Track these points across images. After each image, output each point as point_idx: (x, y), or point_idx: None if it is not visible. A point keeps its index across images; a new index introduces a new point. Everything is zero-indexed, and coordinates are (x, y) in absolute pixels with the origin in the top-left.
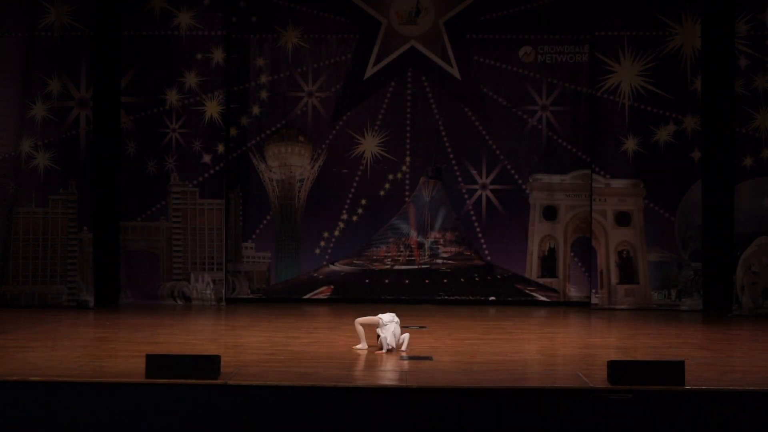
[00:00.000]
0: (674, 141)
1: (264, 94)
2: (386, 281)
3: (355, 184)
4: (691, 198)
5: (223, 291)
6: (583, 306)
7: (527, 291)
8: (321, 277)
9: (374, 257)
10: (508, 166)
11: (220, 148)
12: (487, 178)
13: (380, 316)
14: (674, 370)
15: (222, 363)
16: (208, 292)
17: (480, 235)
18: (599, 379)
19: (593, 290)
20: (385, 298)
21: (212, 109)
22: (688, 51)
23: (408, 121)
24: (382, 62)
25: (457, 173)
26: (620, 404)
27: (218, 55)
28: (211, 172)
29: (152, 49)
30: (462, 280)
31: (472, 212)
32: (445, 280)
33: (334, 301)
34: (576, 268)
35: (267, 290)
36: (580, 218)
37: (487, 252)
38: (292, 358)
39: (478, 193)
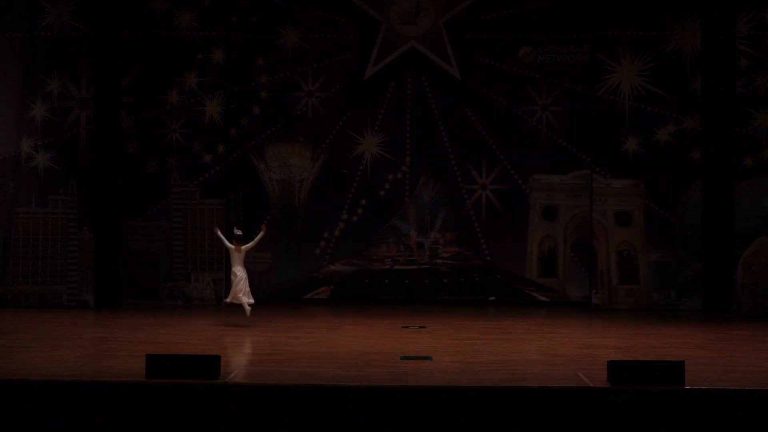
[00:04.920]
0: (674, 141)
1: (264, 94)
2: (386, 281)
3: (355, 184)
4: (691, 198)
5: (223, 291)
6: (583, 306)
7: (527, 291)
8: (321, 277)
9: (374, 257)
10: (508, 166)
11: (221, 148)
12: (487, 178)
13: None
14: (674, 370)
15: (222, 363)
16: (208, 292)
17: (480, 235)
18: (599, 379)
19: (593, 290)
20: (385, 298)
21: (212, 109)
22: (688, 51)
23: (408, 122)
24: (382, 62)
25: (457, 173)
26: (620, 404)
27: (218, 55)
28: (212, 172)
29: (152, 49)
30: (462, 280)
31: (472, 212)
32: (445, 280)
33: (334, 301)
34: (576, 268)
35: (267, 290)
36: (580, 218)
37: (487, 252)
38: (292, 358)
39: (478, 193)
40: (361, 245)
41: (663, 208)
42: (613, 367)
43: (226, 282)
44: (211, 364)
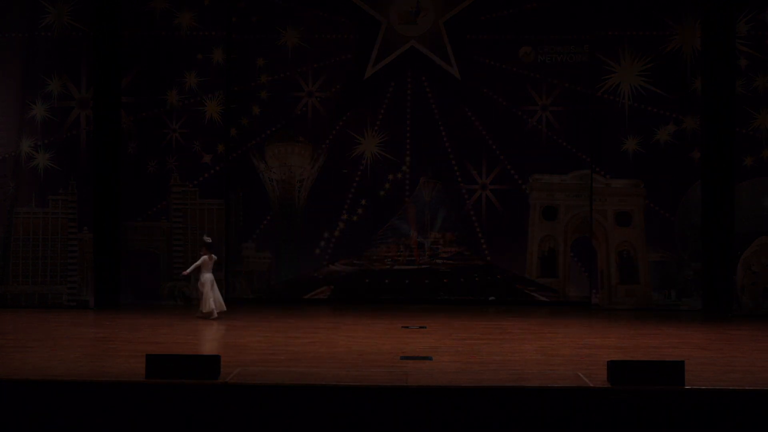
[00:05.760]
0: (674, 141)
1: (264, 94)
2: (386, 281)
3: (355, 184)
4: (691, 198)
5: (224, 291)
6: (583, 306)
7: (527, 291)
8: (321, 277)
9: (374, 257)
10: (508, 166)
11: (220, 148)
12: (487, 178)
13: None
14: (674, 370)
15: (222, 363)
16: None
17: (480, 235)
18: (599, 379)
19: (593, 290)
20: (385, 298)
21: (212, 109)
22: (688, 51)
23: (408, 121)
24: (382, 62)
25: (457, 173)
26: (620, 404)
27: (218, 55)
28: (212, 172)
29: (152, 49)
30: (462, 280)
31: (472, 212)
32: (445, 280)
33: (334, 301)
34: (576, 268)
35: (267, 290)
36: (580, 218)
37: (487, 252)
38: (292, 358)
39: (478, 193)
40: (361, 245)
41: (663, 208)
42: (613, 367)
43: (226, 282)
44: (211, 364)
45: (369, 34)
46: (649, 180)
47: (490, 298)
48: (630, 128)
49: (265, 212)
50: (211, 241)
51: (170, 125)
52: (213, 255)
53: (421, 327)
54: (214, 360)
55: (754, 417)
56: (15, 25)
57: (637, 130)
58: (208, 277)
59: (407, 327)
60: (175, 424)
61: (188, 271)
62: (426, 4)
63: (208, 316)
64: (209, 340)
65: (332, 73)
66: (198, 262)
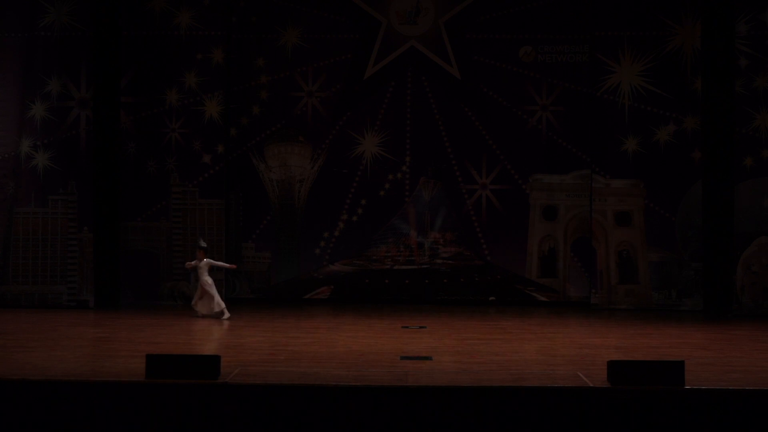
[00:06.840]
0: (674, 141)
1: (264, 94)
2: (386, 281)
3: (355, 184)
4: (692, 198)
5: (223, 291)
6: (583, 306)
7: (527, 291)
8: (321, 277)
9: (374, 257)
10: (508, 166)
11: (220, 148)
12: (487, 178)
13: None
14: (674, 370)
15: (222, 363)
16: None
17: (480, 235)
18: (599, 379)
19: (593, 290)
20: (385, 298)
21: (212, 109)
22: (688, 51)
23: (408, 121)
24: (382, 62)
25: (457, 173)
26: (620, 404)
27: (218, 55)
28: (211, 172)
29: (152, 49)
30: (462, 280)
31: (472, 212)
32: (445, 280)
33: (334, 301)
34: (576, 268)
35: (267, 290)
36: (580, 218)
37: (487, 252)
38: (292, 358)
39: (478, 193)
40: (361, 245)
41: (663, 208)
42: (613, 367)
43: (226, 283)
44: (211, 364)
45: (369, 34)
46: (649, 180)
47: (490, 298)
48: (630, 128)
49: (265, 212)
50: (206, 245)
51: (170, 125)
52: (208, 259)
53: (421, 327)
54: (214, 360)
55: (754, 417)
56: (14, 25)
57: (637, 130)
58: (210, 278)
59: (407, 327)
60: (175, 424)
61: (192, 264)
62: (426, 4)
63: (220, 315)
64: (209, 340)
65: (332, 73)
66: (201, 263)
